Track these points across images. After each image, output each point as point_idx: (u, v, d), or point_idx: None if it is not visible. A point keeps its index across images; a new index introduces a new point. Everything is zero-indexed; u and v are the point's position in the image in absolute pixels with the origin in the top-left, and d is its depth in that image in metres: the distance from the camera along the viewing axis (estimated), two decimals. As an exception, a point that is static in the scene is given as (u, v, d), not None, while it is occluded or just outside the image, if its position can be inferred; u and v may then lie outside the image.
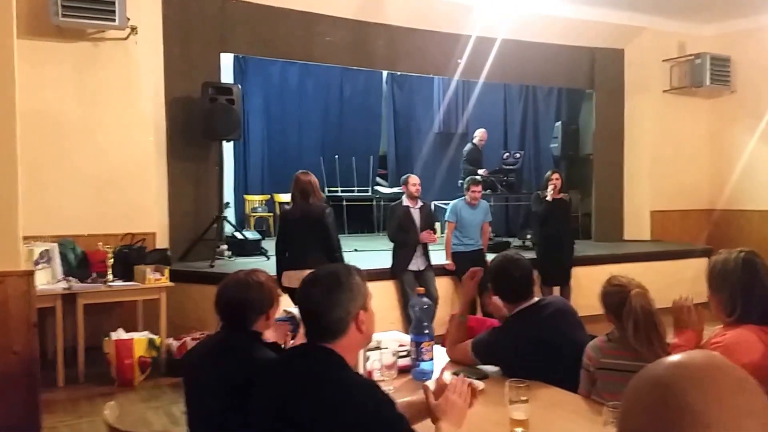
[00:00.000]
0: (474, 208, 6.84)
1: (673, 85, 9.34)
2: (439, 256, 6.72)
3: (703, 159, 9.74)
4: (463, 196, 6.94)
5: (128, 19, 5.90)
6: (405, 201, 6.43)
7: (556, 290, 6.80)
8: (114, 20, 5.75)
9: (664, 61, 9.32)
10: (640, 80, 9.31)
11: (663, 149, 9.36)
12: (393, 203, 6.85)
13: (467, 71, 8.30)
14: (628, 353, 2.28)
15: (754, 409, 0.73)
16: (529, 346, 2.57)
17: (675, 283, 6.12)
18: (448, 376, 2.00)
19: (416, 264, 6.29)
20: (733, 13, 8.84)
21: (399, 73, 10.27)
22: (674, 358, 0.79)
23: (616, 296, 2.38)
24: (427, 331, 2.58)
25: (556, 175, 6.91)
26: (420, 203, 6.44)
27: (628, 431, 0.77)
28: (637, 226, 9.39)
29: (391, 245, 6.48)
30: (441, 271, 6.61)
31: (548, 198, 6.78)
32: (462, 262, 6.52)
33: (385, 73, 10.77)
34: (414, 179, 6.42)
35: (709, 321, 2.41)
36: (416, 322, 2.60)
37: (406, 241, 6.27)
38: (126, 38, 6.10)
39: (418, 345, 2.56)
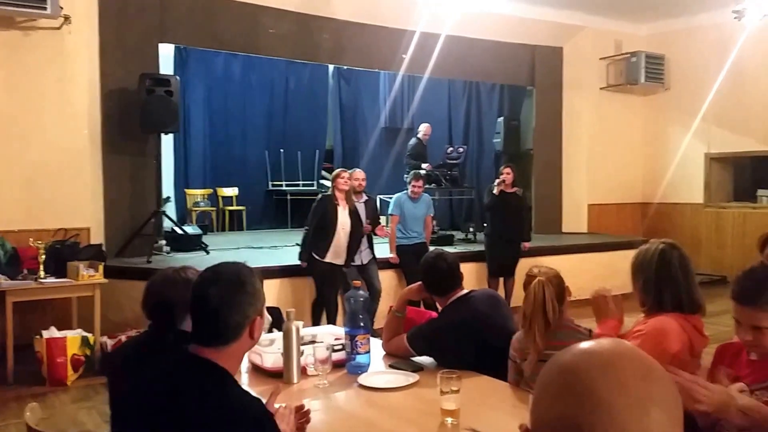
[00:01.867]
0: (416, 201, 6.90)
1: (610, 83, 9.61)
2: (383, 250, 6.75)
3: (638, 154, 10.06)
4: (407, 190, 6.99)
5: (61, 8, 5.71)
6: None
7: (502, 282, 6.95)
8: (45, 8, 5.56)
9: (601, 59, 9.57)
10: (578, 78, 9.54)
11: (600, 145, 9.63)
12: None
13: (412, 66, 8.34)
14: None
15: (660, 397, 0.74)
16: (461, 334, 2.62)
17: (610, 274, 6.32)
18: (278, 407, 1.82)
19: (360, 258, 6.29)
20: (667, 13, 9.14)
21: (345, 67, 10.24)
22: (583, 345, 0.79)
23: (527, 286, 2.45)
24: (362, 324, 2.59)
25: (507, 170, 6.98)
26: (365, 197, 6.44)
27: (539, 418, 0.77)
28: (575, 219, 9.64)
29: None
30: (385, 264, 6.64)
31: (494, 191, 6.89)
32: (405, 255, 6.60)
33: (331, 66, 10.72)
34: (358, 174, 6.40)
35: (632, 311, 2.49)
36: (351, 315, 2.61)
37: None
38: (59, 27, 5.90)
39: (353, 338, 2.57)
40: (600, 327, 2.41)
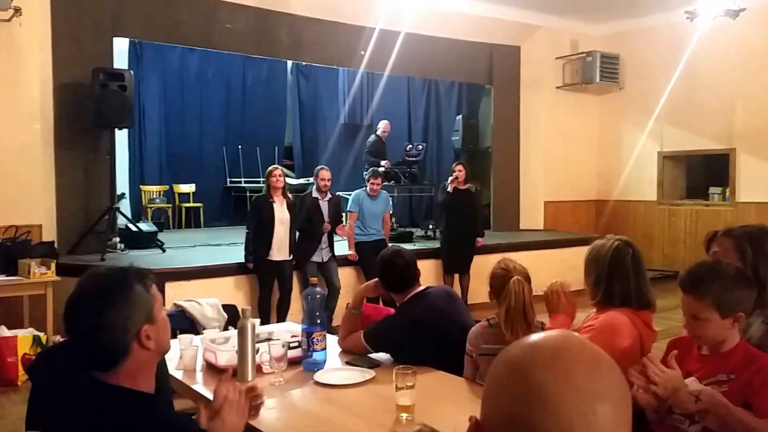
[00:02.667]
0: (375, 198, 6.94)
1: (566, 82, 9.76)
2: (342, 247, 6.76)
3: (593, 153, 10.26)
4: (365, 187, 6.99)
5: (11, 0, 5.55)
6: (314, 192, 6.45)
7: (457, 278, 7.01)
8: (-6, -1, 5.40)
9: (557, 58, 9.71)
10: (535, 76, 9.67)
11: (556, 143, 9.78)
12: (302, 194, 6.84)
13: (372, 63, 8.33)
14: (508, 339, 2.37)
15: (607, 392, 0.73)
16: (417, 331, 2.64)
17: (566, 270, 6.43)
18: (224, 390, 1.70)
19: (320, 255, 6.33)
20: (622, 13, 9.32)
21: (304, 63, 10.18)
22: (531, 338, 0.78)
23: (500, 279, 2.44)
24: (319, 321, 2.59)
25: (459, 167, 7.06)
26: (329, 195, 6.48)
27: (488, 412, 0.77)
28: (531, 216, 9.78)
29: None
30: (344, 261, 6.66)
31: (448, 189, 6.95)
32: (364, 251, 6.62)
33: (289, 62, 10.65)
34: (324, 174, 6.44)
35: (585, 306, 2.54)
36: (308, 312, 2.60)
37: (312, 231, 6.29)
38: (9, 20, 5.72)
39: (310, 335, 2.57)
40: (552, 321, 2.45)
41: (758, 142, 8.44)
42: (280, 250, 5.99)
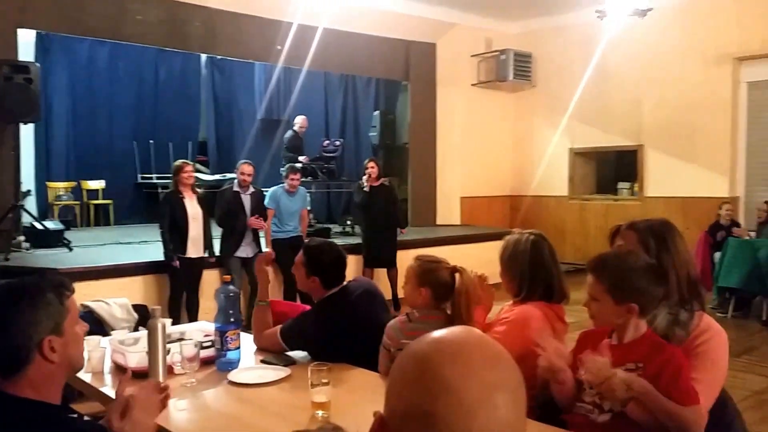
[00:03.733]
0: (293, 195, 6.87)
1: (481, 79, 9.95)
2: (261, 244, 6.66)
3: (508, 149, 10.51)
4: (283, 183, 6.90)
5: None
6: (235, 186, 6.33)
7: (378, 272, 7.03)
8: None
9: (472, 56, 9.89)
10: (451, 73, 9.81)
11: (472, 139, 9.96)
12: (222, 189, 6.71)
13: (290, 58, 8.22)
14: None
15: (506, 383, 0.77)
16: (339, 329, 2.60)
17: (482, 264, 6.50)
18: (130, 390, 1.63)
19: (245, 251, 6.22)
20: (535, 12, 9.57)
21: (219, 57, 9.95)
22: (435, 334, 0.81)
23: (439, 273, 2.40)
24: (233, 320, 2.52)
25: (371, 164, 7.09)
26: (251, 189, 6.38)
27: (393, 406, 0.78)
28: (448, 212, 9.93)
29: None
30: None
31: (365, 188, 6.98)
32: (281, 248, 6.52)
33: (203, 56, 10.38)
34: (246, 168, 6.32)
35: (499, 299, 2.58)
36: (221, 311, 2.52)
37: (234, 226, 6.18)
38: None
39: (223, 334, 2.49)
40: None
41: (664, 139, 8.87)
42: (195, 246, 5.85)
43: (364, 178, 7.02)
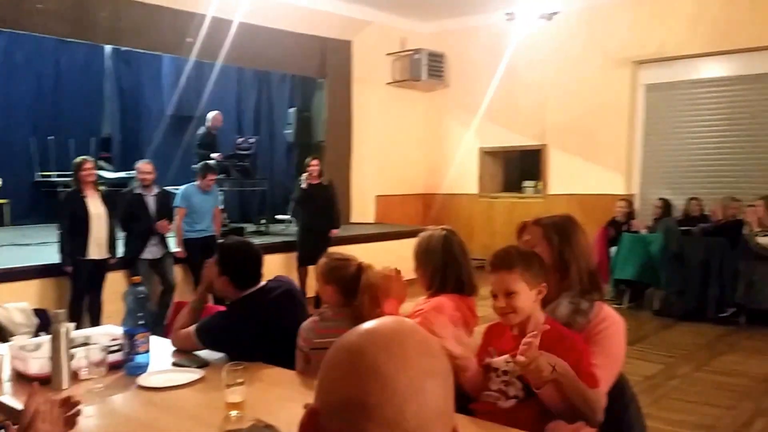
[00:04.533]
0: (206, 194, 6.74)
1: (396, 78, 10.06)
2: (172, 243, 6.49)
3: (421, 148, 10.68)
4: (194, 181, 6.75)
5: None
6: (137, 188, 6.13)
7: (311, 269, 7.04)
8: None
9: (387, 54, 9.98)
10: (366, 72, 9.86)
11: (386, 138, 10.06)
12: (124, 189, 6.48)
13: (203, 52, 7.99)
14: (340, 331, 2.38)
15: (436, 370, 0.79)
16: (254, 329, 2.58)
17: (396, 261, 6.60)
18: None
19: (151, 252, 6.04)
20: (447, 12, 9.75)
21: (124, 48, 9.55)
22: (367, 325, 0.82)
23: (346, 270, 2.45)
24: (141, 322, 2.45)
25: (314, 162, 7.16)
26: (155, 190, 6.18)
27: (326, 398, 0.79)
28: (363, 210, 9.99)
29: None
30: (177, 258, 6.43)
31: (303, 185, 7.04)
32: (193, 249, 6.39)
33: (108, 47, 9.95)
34: (144, 167, 6.13)
35: (413, 295, 2.63)
36: (129, 313, 2.45)
37: (139, 229, 6.00)
38: None
39: (132, 337, 2.42)
40: (384, 306, 2.51)
41: (567, 139, 9.27)
42: (98, 247, 5.62)
43: (305, 175, 7.06)
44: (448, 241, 2.50)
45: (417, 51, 9.83)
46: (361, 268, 2.44)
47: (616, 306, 7.40)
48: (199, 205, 6.65)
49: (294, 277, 7.15)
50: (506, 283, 1.96)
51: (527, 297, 1.96)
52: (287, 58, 9.10)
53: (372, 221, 9.93)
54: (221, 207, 7.10)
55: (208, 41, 7.80)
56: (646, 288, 7.55)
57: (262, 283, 2.75)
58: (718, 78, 8.32)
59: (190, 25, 7.71)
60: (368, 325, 0.82)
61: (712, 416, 4.20)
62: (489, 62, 9.63)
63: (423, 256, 2.52)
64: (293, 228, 8.65)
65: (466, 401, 2.12)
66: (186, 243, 6.50)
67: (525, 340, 1.82)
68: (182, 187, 6.84)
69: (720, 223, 7.12)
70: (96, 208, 5.60)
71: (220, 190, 8.41)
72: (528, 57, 9.37)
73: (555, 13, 8.06)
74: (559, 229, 2.16)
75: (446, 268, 2.48)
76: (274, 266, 7.03)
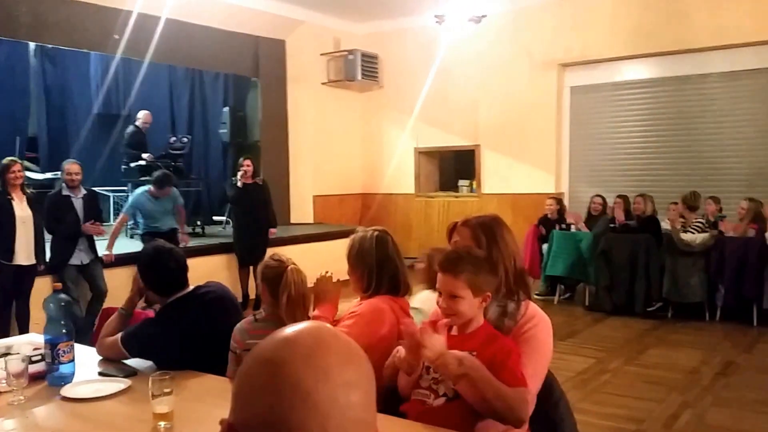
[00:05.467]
0: (158, 199, 6.77)
1: (331, 78, 10.03)
2: (125, 245, 6.35)
3: (358, 148, 10.70)
4: (146, 187, 6.80)
5: None
6: (64, 190, 5.90)
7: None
8: None
9: (321, 54, 9.94)
10: (301, 71, 9.80)
11: (323, 138, 10.03)
12: (50, 191, 6.24)
13: (130, 49, 7.79)
14: (269, 332, 2.34)
15: (358, 379, 0.76)
16: (184, 336, 2.52)
17: (334, 260, 6.58)
18: None
19: (79, 257, 5.84)
20: (379, 14, 9.79)
21: (50, 46, 9.19)
22: (283, 334, 0.77)
23: (274, 270, 2.44)
24: (65, 331, 2.36)
25: (247, 162, 7.15)
26: (83, 191, 5.98)
27: (244, 414, 0.74)
28: (301, 210, 9.94)
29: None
30: (119, 261, 6.23)
31: (238, 184, 7.02)
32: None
33: (32, 45, 9.54)
34: (71, 167, 5.90)
35: (348, 296, 2.63)
36: (51, 321, 2.36)
37: (66, 232, 5.79)
38: None
39: (54, 346, 2.33)
40: (318, 310, 2.50)
41: (498, 139, 9.45)
42: (24, 253, 5.38)
43: (239, 174, 7.04)
44: (381, 242, 2.49)
45: (351, 52, 9.82)
46: (284, 270, 2.43)
47: (547, 302, 7.61)
48: (153, 209, 6.71)
49: (236, 279, 7.10)
50: (451, 286, 1.98)
51: (471, 304, 1.98)
52: (219, 56, 8.97)
53: (311, 221, 9.88)
54: (181, 202, 7.13)
55: (135, 38, 7.59)
56: (577, 284, 7.76)
57: (190, 288, 2.69)
58: (639, 80, 8.66)
59: (115, 21, 7.49)
60: (287, 333, 0.77)
61: (642, 409, 4.32)
62: (422, 64, 9.72)
63: (356, 257, 2.51)
64: (230, 229, 8.54)
65: (397, 403, 2.14)
66: (147, 236, 6.55)
67: (428, 337, 1.85)
68: (134, 194, 6.84)
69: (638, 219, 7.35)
70: (22, 211, 5.38)
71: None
72: (459, 59, 9.50)
73: (483, 17, 8.21)
74: (486, 230, 2.18)
75: (381, 269, 2.47)
76: (214, 268, 6.96)
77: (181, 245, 6.26)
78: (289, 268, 2.42)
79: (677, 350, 5.81)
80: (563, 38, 8.83)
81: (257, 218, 7.15)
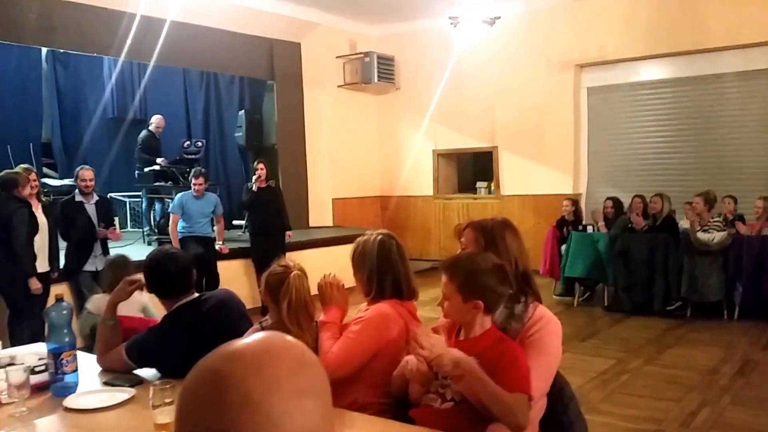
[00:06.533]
0: (200, 198, 6.95)
1: (347, 81, 9.99)
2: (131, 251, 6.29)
3: (376, 151, 10.65)
4: (191, 188, 7.00)
5: None
6: (77, 196, 5.91)
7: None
8: None
9: (337, 57, 9.90)
10: (317, 74, 9.77)
11: (340, 141, 9.99)
12: (65, 198, 6.24)
13: (137, 53, 7.73)
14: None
15: (311, 387, 0.73)
16: (188, 343, 2.47)
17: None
18: None
19: (94, 264, 5.81)
20: (394, 16, 9.74)
21: (62, 51, 9.23)
22: (230, 346, 0.74)
23: (278, 276, 2.40)
24: (67, 340, 2.33)
25: (260, 165, 7.18)
26: (96, 197, 5.99)
27: (190, 429, 0.71)
28: (320, 214, 9.89)
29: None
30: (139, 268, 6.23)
31: (253, 188, 7.08)
32: (189, 243, 6.74)
33: (44, 49, 9.59)
34: (85, 173, 5.92)
35: (356, 302, 2.57)
36: (53, 330, 2.32)
37: (80, 238, 5.78)
38: None
39: (57, 356, 2.29)
40: (325, 314, 2.45)
41: (516, 141, 9.36)
42: (40, 260, 5.37)
43: (254, 178, 7.10)
44: (384, 246, 2.45)
45: (367, 54, 9.78)
46: (288, 275, 2.38)
47: (567, 303, 7.52)
48: (193, 209, 6.88)
49: (254, 285, 7.10)
50: (444, 288, 2.01)
51: (459, 308, 1.98)
52: (234, 59, 8.94)
53: (330, 225, 9.84)
54: (221, 212, 7.30)
55: (141, 41, 7.54)
56: (596, 284, 7.66)
57: (195, 294, 2.65)
58: (657, 80, 8.55)
59: (127, 25, 7.43)
60: (235, 345, 0.74)
61: (660, 409, 4.28)
62: (438, 66, 9.66)
63: (359, 261, 2.48)
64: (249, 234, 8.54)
65: (406, 409, 2.10)
66: (183, 240, 6.76)
67: (425, 338, 1.88)
68: (177, 196, 7.07)
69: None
70: (39, 218, 5.37)
71: (168, 198, 8.23)
72: (475, 61, 9.43)
73: (497, 18, 8.13)
74: (487, 233, 2.20)
75: (383, 273, 2.43)
76: (234, 274, 7.02)
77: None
78: (292, 274, 2.37)
79: (696, 349, 5.76)
80: (579, 39, 8.73)
81: (272, 222, 7.16)
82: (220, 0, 8.05)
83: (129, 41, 7.44)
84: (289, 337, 0.77)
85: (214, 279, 6.67)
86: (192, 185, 6.96)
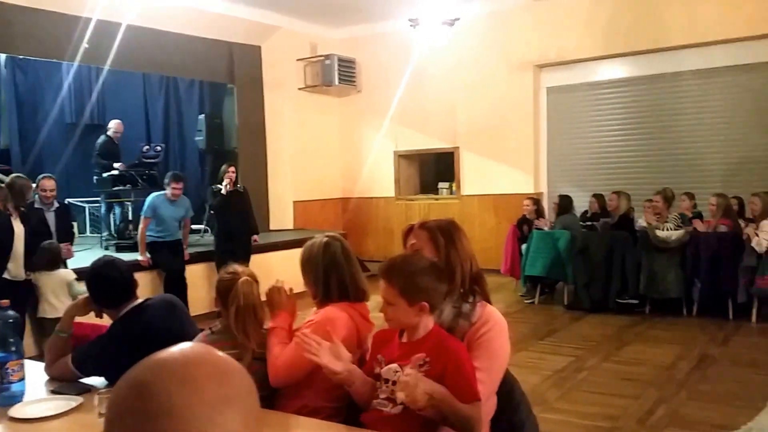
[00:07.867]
0: (173, 203, 6.84)
1: (308, 84, 9.96)
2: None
3: (336, 152, 10.64)
4: (164, 190, 6.86)
5: None
6: (37, 203, 5.81)
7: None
8: None
9: (298, 60, 9.88)
10: (277, 77, 9.73)
11: (301, 144, 9.96)
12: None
13: (93, 57, 7.63)
14: (229, 344, 2.32)
15: (234, 395, 0.74)
16: (135, 349, 2.45)
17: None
18: None
19: None
20: (355, 19, 9.75)
21: (21, 56, 9.06)
22: (155, 357, 0.76)
23: (225, 283, 2.41)
24: (14, 349, 2.30)
25: (231, 169, 7.29)
26: (56, 205, 5.89)
27: None
28: (281, 217, 9.85)
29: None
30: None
31: (223, 191, 7.08)
32: (159, 248, 6.70)
33: (2, 55, 9.42)
34: (46, 183, 5.84)
35: (307, 307, 2.58)
36: (-1, 340, 2.30)
37: (37, 246, 5.61)
38: None
39: (3, 365, 2.26)
40: (273, 320, 2.46)
41: (476, 141, 9.44)
42: (18, 269, 5.29)
43: (225, 181, 7.09)
44: (329, 248, 2.45)
45: (328, 56, 9.77)
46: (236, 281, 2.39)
47: (528, 302, 7.60)
48: (165, 214, 6.76)
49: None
50: (386, 294, 1.98)
51: (404, 312, 1.96)
52: (194, 63, 8.87)
53: (291, 227, 9.80)
54: (190, 216, 7.22)
55: (98, 46, 7.44)
56: (556, 283, 7.76)
57: (139, 300, 2.64)
58: (616, 79, 8.71)
59: (83, 29, 7.34)
60: (158, 356, 0.76)
61: (618, 406, 4.31)
62: (399, 67, 9.69)
63: (306, 265, 2.48)
64: (208, 237, 8.48)
65: (357, 412, 2.11)
66: (153, 245, 6.68)
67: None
68: (150, 197, 6.89)
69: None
70: (17, 227, 5.29)
71: (127, 201, 8.15)
72: (435, 62, 9.48)
73: (456, 20, 8.20)
74: (445, 232, 2.18)
75: (328, 276, 2.43)
76: (194, 278, 6.94)
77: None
78: (240, 280, 2.38)
79: (654, 346, 5.82)
80: (538, 40, 8.85)
81: (241, 225, 7.18)
82: (178, 3, 7.96)
83: (84, 45, 7.32)
84: (212, 348, 0.79)
85: (183, 287, 6.61)
86: (170, 189, 6.79)
